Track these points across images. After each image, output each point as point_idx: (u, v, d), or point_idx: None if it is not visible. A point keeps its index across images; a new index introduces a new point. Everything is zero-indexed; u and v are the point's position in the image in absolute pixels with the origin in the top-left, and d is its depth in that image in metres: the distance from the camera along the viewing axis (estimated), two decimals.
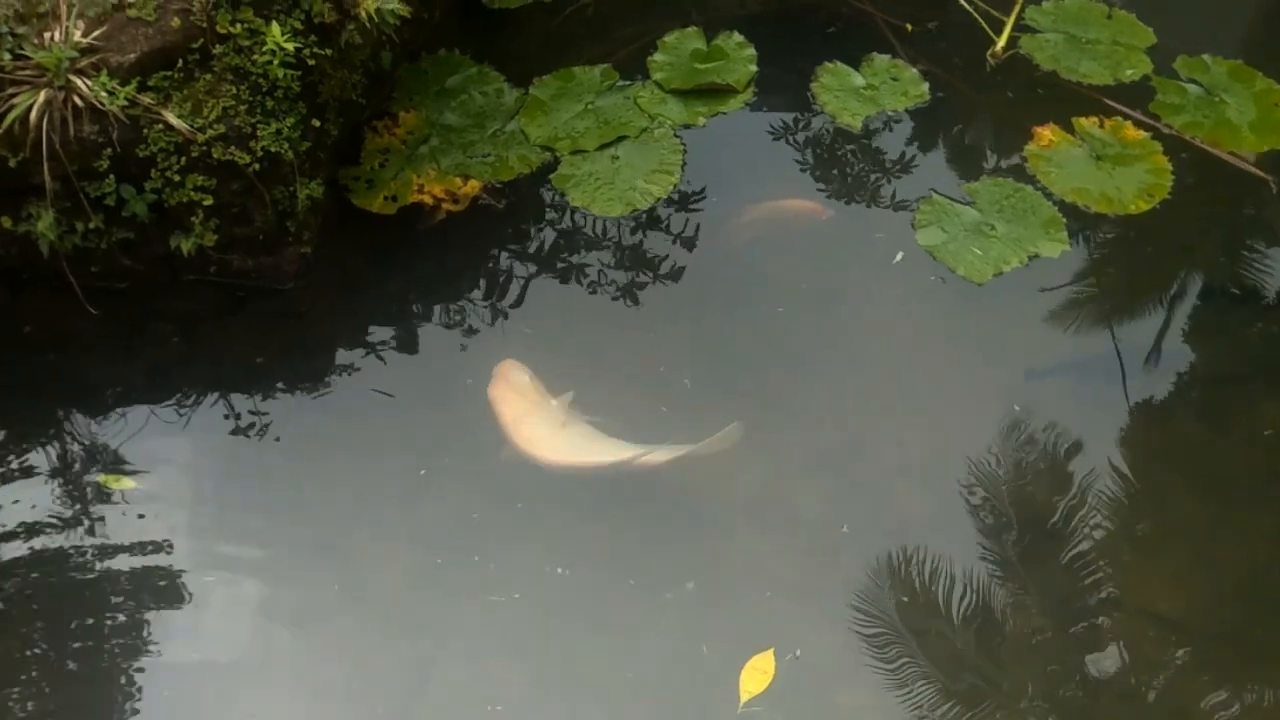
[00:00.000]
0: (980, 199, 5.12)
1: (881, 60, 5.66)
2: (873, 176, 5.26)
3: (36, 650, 3.83)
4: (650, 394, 4.40)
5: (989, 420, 4.42)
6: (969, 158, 5.46)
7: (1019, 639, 3.95)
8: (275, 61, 4.40)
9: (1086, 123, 5.43)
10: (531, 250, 4.91)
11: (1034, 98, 5.54)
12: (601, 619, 3.96)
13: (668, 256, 4.91)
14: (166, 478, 4.21)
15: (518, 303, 4.74)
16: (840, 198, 5.14)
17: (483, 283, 4.79)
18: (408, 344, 4.64)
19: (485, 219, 4.95)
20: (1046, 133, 5.40)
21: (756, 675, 3.79)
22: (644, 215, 5.04)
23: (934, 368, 4.57)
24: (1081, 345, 4.72)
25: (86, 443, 4.31)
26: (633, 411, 4.31)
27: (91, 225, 4.43)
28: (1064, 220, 5.07)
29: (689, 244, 4.95)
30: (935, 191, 5.17)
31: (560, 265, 4.86)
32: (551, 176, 5.13)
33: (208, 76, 4.40)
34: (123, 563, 4.03)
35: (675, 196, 5.09)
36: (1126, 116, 5.44)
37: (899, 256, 4.86)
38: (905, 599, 4.02)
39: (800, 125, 5.49)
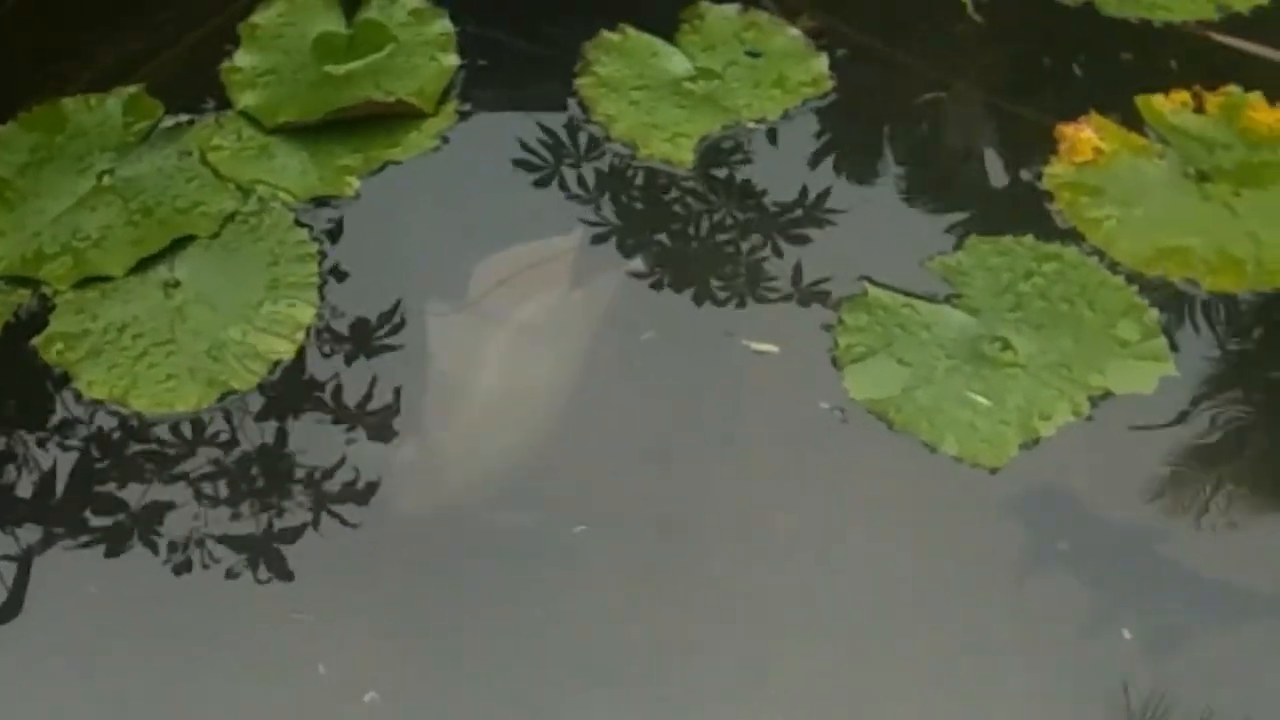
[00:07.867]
0: (971, 288, 3.60)
1: (723, 15, 4.01)
2: (730, 258, 3.83)
3: None
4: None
5: None
6: (936, 204, 3.86)
7: None
8: None
9: (1165, 104, 3.77)
10: (20, 511, 3.46)
11: (1052, 59, 4.07)
12: None
13: (324, 474, 3.46)
14: None
15: None
16: (663, 304, 3.77)
17: None
18: None
19: None
20: (1085, 134, 3.75)
21: None
22: (249, 402, 3.50)
23: (911, 668, 3.17)
24: (1248, 577, 3.31)
25: None
26: None
27: None
28: (1154, 312, 3.44)
29: (377, 432, 3.55)
30: (871, 281, 3.64)
31: (87, 535, 3.38)
32: (35, 341, 3.61)
33: None
34: None
35: (319, 344, 3.54)
36: (1250, 83, 3.87)
37: (829, 407, 3.62)
38: None
39: (567, 169, 3.91)
